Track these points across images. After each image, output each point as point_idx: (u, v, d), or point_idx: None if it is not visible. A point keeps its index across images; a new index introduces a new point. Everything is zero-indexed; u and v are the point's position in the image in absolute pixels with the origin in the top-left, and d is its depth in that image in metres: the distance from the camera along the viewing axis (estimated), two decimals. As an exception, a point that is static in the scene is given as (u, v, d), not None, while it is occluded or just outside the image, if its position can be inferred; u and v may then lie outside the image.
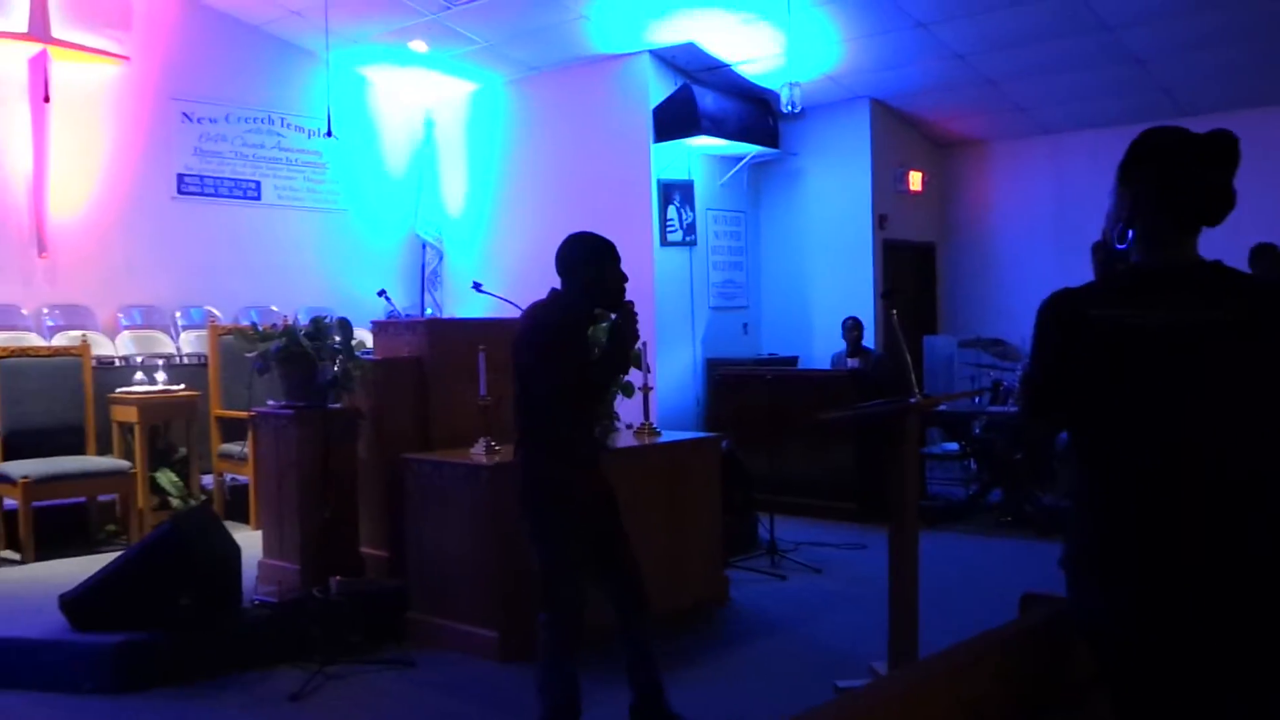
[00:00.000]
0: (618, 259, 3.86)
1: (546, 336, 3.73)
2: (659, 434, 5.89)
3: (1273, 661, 2.05)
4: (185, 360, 8.94)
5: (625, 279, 3.87)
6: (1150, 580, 2.07)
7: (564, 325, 3.76)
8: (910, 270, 11.55)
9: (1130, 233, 2.21)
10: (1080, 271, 2.34)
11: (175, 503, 7.39)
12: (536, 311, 3.84)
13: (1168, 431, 2.08)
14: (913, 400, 4.30)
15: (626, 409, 6.75)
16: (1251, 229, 7.85)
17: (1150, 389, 2.09)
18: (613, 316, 3.88)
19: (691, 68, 10.35)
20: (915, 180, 11.34)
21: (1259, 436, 2.07)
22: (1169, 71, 9.43)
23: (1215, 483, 2.06)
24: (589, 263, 3.81)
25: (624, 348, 3.80)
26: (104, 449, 7.60)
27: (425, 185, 11.99)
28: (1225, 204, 2.17)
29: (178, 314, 9.89)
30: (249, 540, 6.26)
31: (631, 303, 3.83)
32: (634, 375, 6.39)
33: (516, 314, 6.35)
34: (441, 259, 11.98)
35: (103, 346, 8.86)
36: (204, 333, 8.84)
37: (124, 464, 7.31)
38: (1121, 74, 9.55)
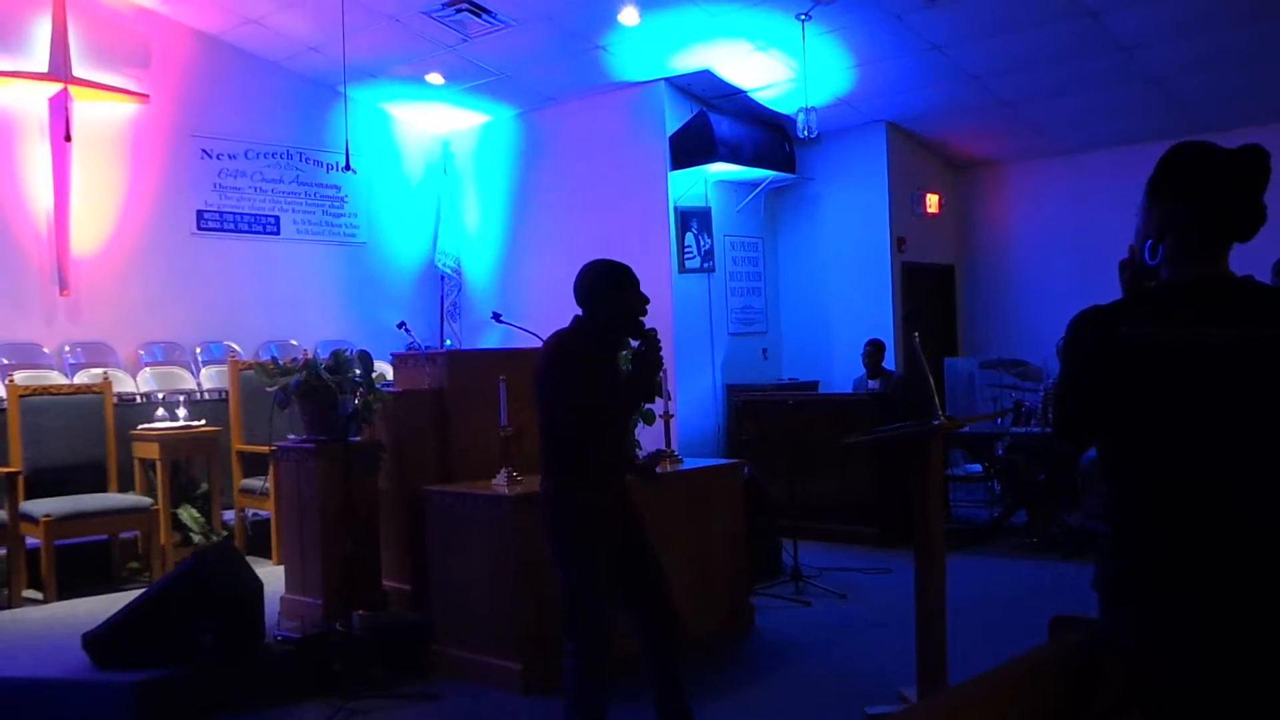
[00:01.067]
0: (637, 285, 3.85)
1: (565, 364, 3.72)
2: (681, 461, 5.86)
3: None
4: (206, 396, 8.97)
5: (646, 303, 3.85)
6: (1202, 605, 2.03)
7: (583, 352, 3.75)
8: (929, 292, 11.51)
9: (1161, 249, 2.18)
10: (1100, 291, 2.32)
11: (197, 539, 7.39)
12: (557, 340, 3.83)
13: (1197, 451, 2.06)
14: (936, 422, 4.26)
15: (647, 436, 6.72)
16: (1273, 242, 7.82)
17: (1187, 409, 2.06)
18: (634, 344, 3.86)
19: (707, 95, 10.37)
20: (932, 203, 11.32)
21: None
22: (1185, 90, 9.40)
23: (1263, 502, 2.03)
24: (608, 290, 3.80)
25: (647, 375, 3.79)
26: (126, 486, 7.61)
27: (444, 217, 12.03)
28: (1257, 219, 2.15)
29: (198, 350, 9.93)
30: (271, 575, 6.25)
31: (654, 330, 3.82)
32: (654, 403, 6.39)
33: (536, 343, 6.37)
34: (460, 290, 12.01)
35: (124, 383, 8.90)
36: (224, 368, 8.86)
37: (146, 500, 7.31)
38: (1137, 93, 9.52)
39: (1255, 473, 2.04)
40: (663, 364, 3.88)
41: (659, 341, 3.80)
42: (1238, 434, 2.04)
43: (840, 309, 11.01)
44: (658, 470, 5.64)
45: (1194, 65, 8.98)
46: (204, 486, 7.75)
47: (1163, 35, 8.55)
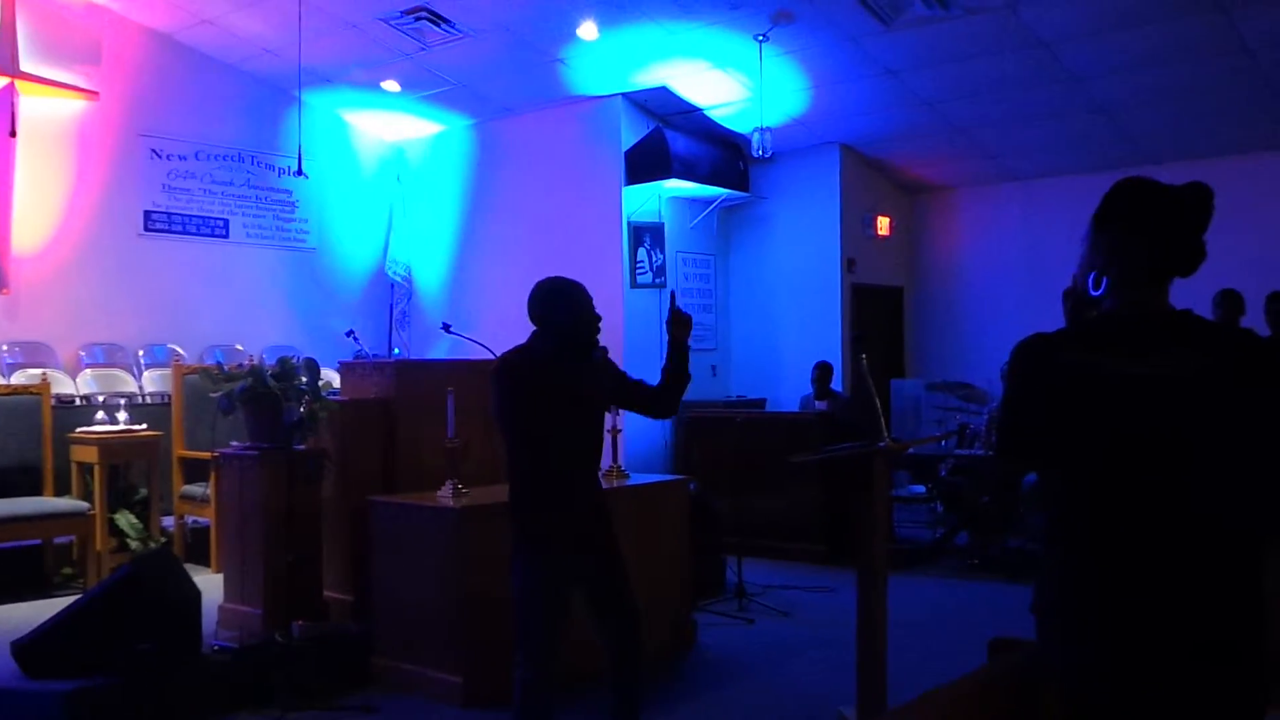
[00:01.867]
0: (589, 301, 3.84)
1: (506, 384, 3.71)
2: (627, 476, 5.86)
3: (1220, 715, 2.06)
4: (148, 400, 8.84)
5: (598, 319, 3.84)
6: (1127, 632, 2.07)
7: (528, 370, 3.73)
8: (878, 314, 11.61)
9: (1104, 280, 2.22)
10: (1048, 318, 2.35)
11: (135, 545, 7.26)
12: (503, 358, 3.83)
13: (1134, 479, 2.09)
14: (881, 444, 4.29)
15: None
16: (1212, 274, 7.96)
17: (1123, 437, 2.10)
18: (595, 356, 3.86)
19: (664, 111, 10.41)
20: (884, 225, 11.43)
21: (1230, 485, 2.08)
22: (1135, 122, 9.58)
23: (1182, 533, 2.07)
24: (558, 307, 3.79)
25: (683, 336, 3.88)
26: (62, 490, 7.46)
27: (395, 225, 11.97)
28: (1198, 256, 2.19)
29: (141, 353, 9.78)
30: (210, 584, 6.16)
31: (604, 349, 3.84)
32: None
33: (486, 355, 6.36)
34: (410, 299, 11.94)
35: (63, 385, 8.74)
36: (168, 372, 8.75)
37: (82, 505, 7.18)
38: (1089, 124, 9.69)
39: (1185, 502, 2.07)
40: (691, 318, 3.94)
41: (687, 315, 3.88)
42: (1170, 464, 2.08)
43: (790, 328, 11.08)
44: (604, 486, 5.68)
45: (1143, 99, 9.15)
46: (143, 492, 7.62)
47: (1113, 68, 8.71)
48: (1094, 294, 2.24)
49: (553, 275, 3.91)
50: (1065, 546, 2.20)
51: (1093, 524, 2.15)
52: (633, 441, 9.52)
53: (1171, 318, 2.18)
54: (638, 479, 5.97)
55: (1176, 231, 2.18)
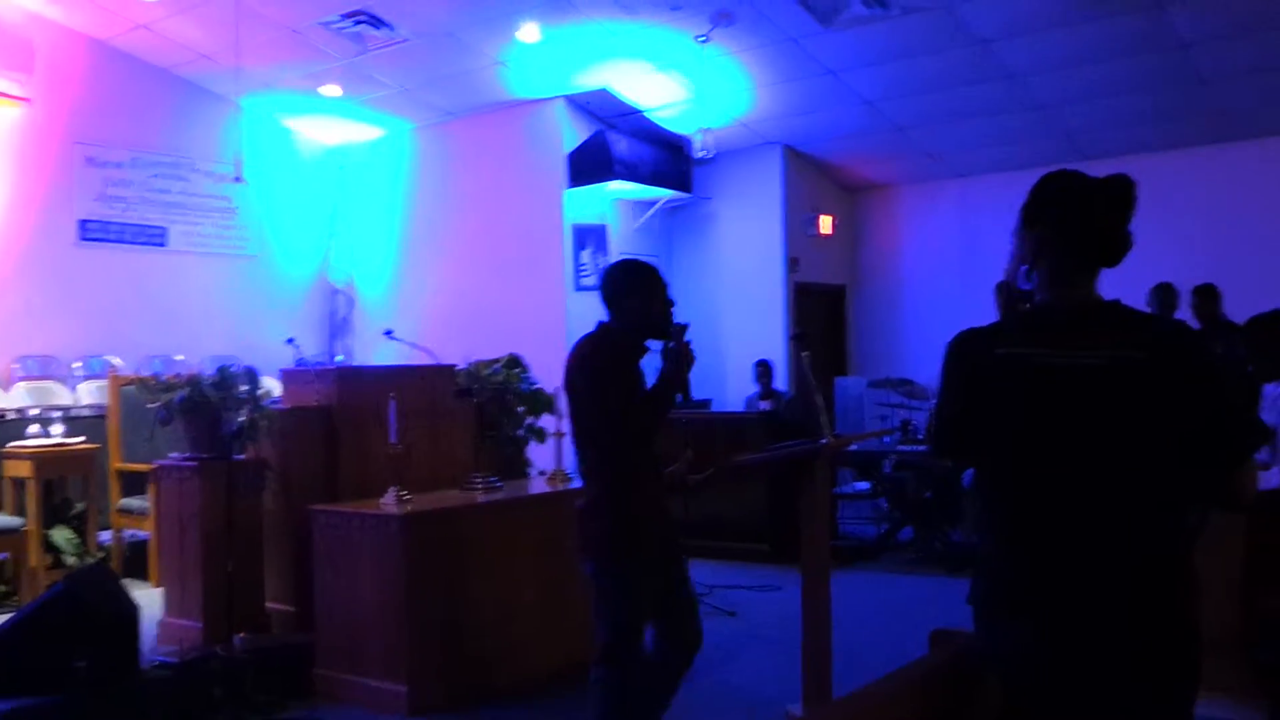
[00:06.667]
0: (664, 285, 3.76)
1: (600, 370, 3.62)
2: (571, 479, 5.83)
3: (1160, 703, 2.10)
4: (84, 412, 8.66)
5: (672, 305, 3.76)
6: (1054, 617, 2.11)
7: (613, 359, 3.66)
8: (821, 312, 11.69)
9: (1034, 274, 2.25)
10: (987, 312, 2.38)
11: (71, 561, 7.11)
12: (583, 347, 3.72)
13: (1066, 469, 2.12)
14: (823, 441, 4.31)
15: (539, 454, 6.70)
16: (1147, 268, 8.11)
17: (1052, 425, 2.13)
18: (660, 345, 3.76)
19: (606, 114, 10.40)
20: (826, 224, 11.49)
21: (1158, 473, 2.11)
22: (1072, 118, 9.72)
23: (1111, 520, 2.10)
24: (632, 292, 3.71)
25: (681, 372, 3.68)
26: (-3, 505, 7.31)
27: (337, 231, 11.86)
28: (1123, 246, 2.23)
29: (77, 364, 9.59)
30: (150, 598, 6.07)
31: (684, 326, 3.72)
32: (546, 420, 6.37)
33: (429, 360, 6.33)
34: (353, 306, 11.83)
35: (-4, 398, 8.57)
36: (104, 383, 8.59)
37: (16, 521, 7.03)
38: (1026, 121, 9.82)
39: (1114, 490, 2.10)
40: (694, 359, 3.74)
41: (688, 341, 3.72)
42: (1099, 453, 2.11)
43: (734, 328, 11.11)
44: (549, 490, 5.66)
45: (1080, 95, 9.28)
46: (80, 506, 7.47)
47: (1049, 65, 8.83)
48: (1025, 287, 2.28)
49: (625, 257, 3.81)
50: (996, 536, 2.24)
51: (1021, 512, 2.18)
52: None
53: (1100, 308, 2.21)
54: (581, 482, 5.93)
55: (1102, 223, 2.21)
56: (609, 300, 3.74)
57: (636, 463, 3.68)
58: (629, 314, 3.70)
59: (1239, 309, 7.37)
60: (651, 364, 3.67)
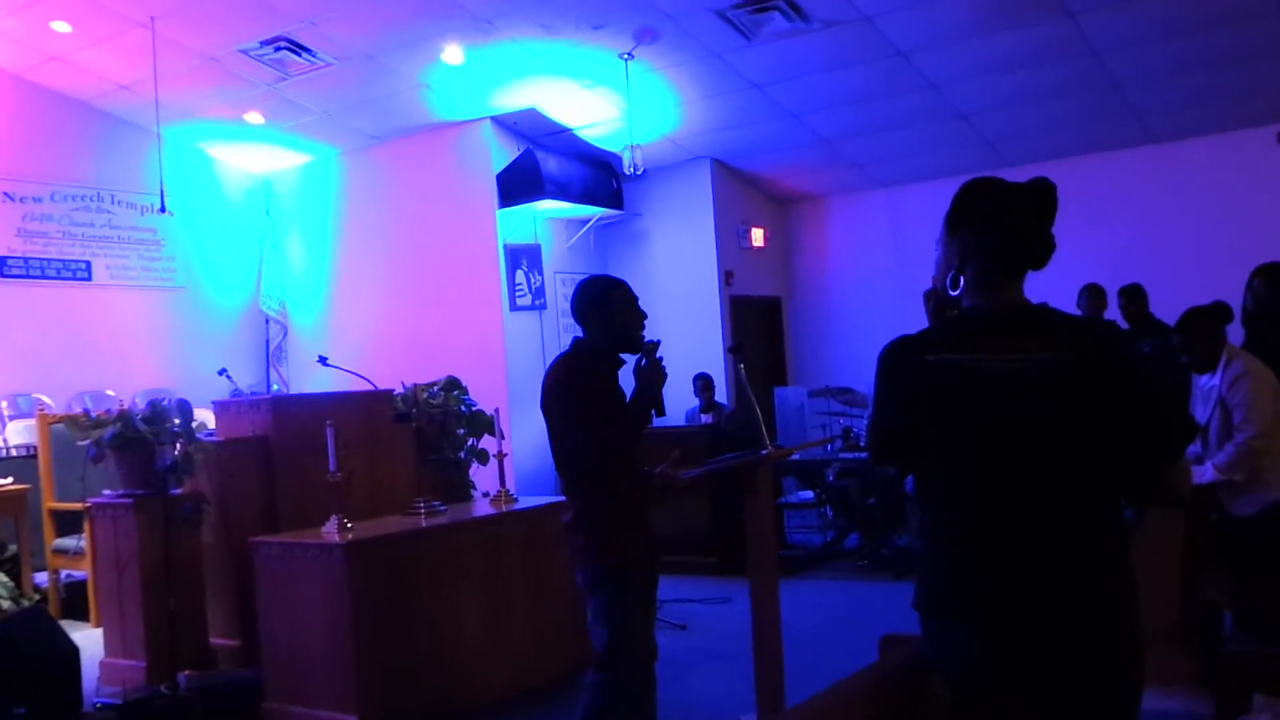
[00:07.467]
0: (634, 299, 3.79)
1: (573, 391, 3.64)
2: (515, 500, 5.82)
3: (1105, 698, 2.12)
4: (13, 452, 8.47)
5: (644, 317, 3.80)
6: (993, 618, 2.13)
7: (592, 373, 3.68)
8: (758, 324, 11.76)
9: (961, 279, 2.28)
10: (920, 318, 2.41)
11: (6, 605, 6.94)
12: (560, 366, 3.74)
13: (1000, 471, 2.15)
14: (764, 452, 4.34)
15: (482, 477, 6.67)
16: (1074, 271, 8.29)
17: (983, 429, 2.16)
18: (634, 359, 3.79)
19: (534, 133, 10.41)
20: (758, 236, 11.59)
21: (1090, 472, 2.14)
22: (992, 125, 9.90)
23: (1047, 520, 2.12)
24: (602, 306, 3.74)
25: (654, 389, 3.72)
26: (-75, 551, 7.12)
27: (267, 259, 11.72)
28: (1047, 249, 2.26)
29: (3, 404, 9.38)
30: (90, 639, 5.95)
31: (655, 343, 3.76)
32: (488, 442, 6.35)
33: (365, 386, 6.28)
34: (286, 334, 11.70)
35: (-79, 442, 8.36)
36: (33, 422, 8.41)
37: (-53, 566, 6.86)
38: (948, 129, 9.98)
39: (1045, 491, 2.13)
40: (666, 375, 3.78)
41: (658, 355, 3.76)
42: (1030, 455, 2.13)
43: (671, 342, 10.93)
44: (493, 511, 5.64)
45: (998, 103, 9.46)
46: (12, 549, 7.30)
47: (968, 74, 8.99)
48: (953, 293, 2.30)
49: (593, 274, 3.84)
50: (935, 540, 2.26)
51: (957, 516, 2.20)
52: (520, 465, 9.49)
53: (1028, 312, 2.24)
54: (526, 503, 5.93)
55: (1025, 226, 2.24)
56: (581, 317, 3.78)
57: (619, 475, 3.71)
58: (603, 329, 3.74)
59: (1166, 307, 7.56)
60: (624, 378, 3.70)
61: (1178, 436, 2.19)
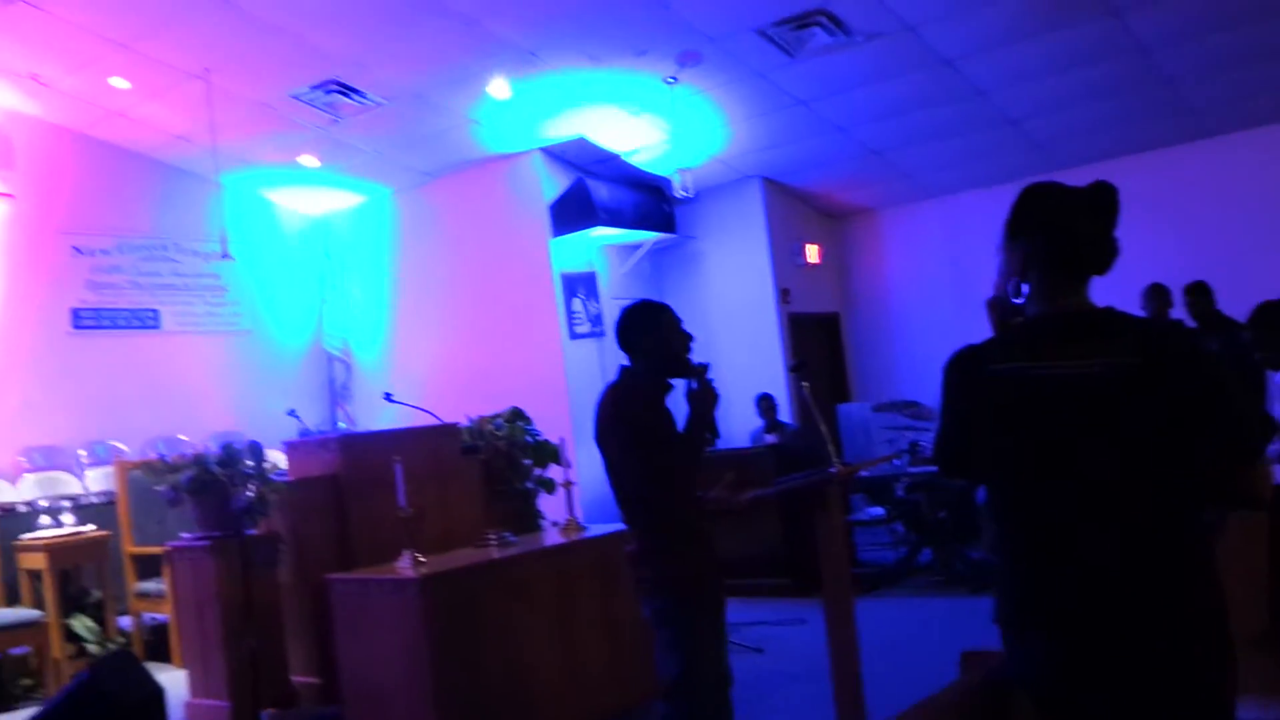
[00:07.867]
0: (678, 321, 3.78)
1: (625, 421, 3.63)
2: (584, 528, 5.84)
3: (1194, 710, 2.08)
4: (94, 499, 8.66)
5: (691, 339, 3.78)
6: (1076, 631, 2.10)
7: (641, 405, 3.66)
8: (817, 341, 11.72)
9: (1025, 286, 2.27)
10: (980, 326, 2.40)
11: (93, 648, 7.10)
12: (611, 396, 3.73)
13: (1076, 478, 2.12)
14: (832, 470, 4.33)
15: (549, 505, 6.70)
16: (1134, 271, 8.16)
17: (1056, 437, 2.13)
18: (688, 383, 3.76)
19: (583, 161, 10.48)
20: (813, 253, 11.57)
21: (1167, 477, 2.11)
22: (1042, 129, 9.82)
23: (1125, 528, 2.09)
24: (649, 331, 3.73)
25: (708, 412, 3.69)
26: (13, 599, 7.29)
27: (328, 299, 11.90)
28: (1110, 253, 2.24)
29: (82, 452, 9.59)
30: (174, 680, 6.04)
31: (705, 365, 3.74)
32: (554, 471, 6.38)
33: (431, 421, 6.35)
34: (350, 372, 11.85)
35: (4, 492, 8.57)
36: (111, 469, 8.59)
37: (35, 614, 7.02)
38: (997, 135, 9.92)
39: (1123, 498, 2.10)
40: (719, 397, 3.75)
41: (709, 377, 3.73)
42: (1104, 462, 2.11)
43: (731, 364, 11.08)
44: (563, 541, 5.66)
45: (1046, 106, 9.39)
46: (96, 594, 7.47)
47: (1014, 79, 8.93)
48: (1017, 301, 2.29)
49: (637, 299, 3.82)
50: (1011, 553, 2.23)
51: (1033, 527, 2.18)
52: (587, 493, 9.51)
53: (1094, 316, 2.22)
54: (595, 531, 5.95)
55: (1086, 231, 2.22)
56: (627, 344, 3.76)
57: (680, 502, 3.68)
58: (649, 354, 3.72)
59: (1231, 303, 7.43)
60: (674, 403, 3.68)
61: (1254, 436, 2.13)
